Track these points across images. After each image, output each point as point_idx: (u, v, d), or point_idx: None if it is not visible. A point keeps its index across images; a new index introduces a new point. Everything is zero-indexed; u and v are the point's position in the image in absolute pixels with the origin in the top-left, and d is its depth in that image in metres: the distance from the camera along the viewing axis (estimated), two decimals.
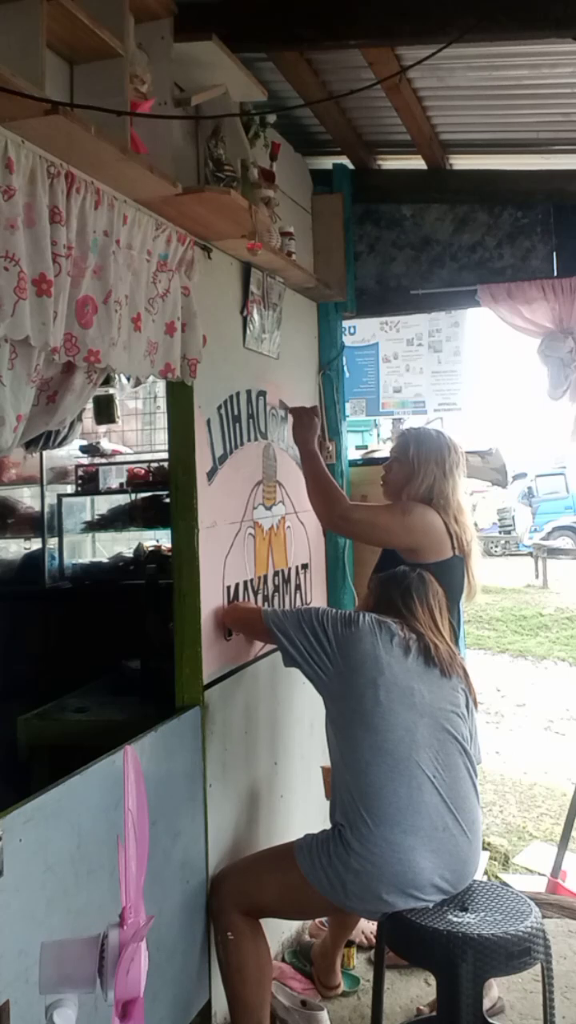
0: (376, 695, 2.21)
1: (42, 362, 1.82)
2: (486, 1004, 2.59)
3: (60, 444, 2.78)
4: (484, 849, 3.61)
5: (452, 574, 2.68)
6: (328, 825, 2.30)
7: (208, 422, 2.55)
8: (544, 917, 2.19)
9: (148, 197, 2.07)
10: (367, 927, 2.94)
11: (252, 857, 2.46)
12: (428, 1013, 2.65)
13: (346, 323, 3.83)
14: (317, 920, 3.01)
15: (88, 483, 4.06)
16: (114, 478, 4.08)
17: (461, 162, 3.57)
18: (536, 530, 17.16)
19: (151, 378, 2.38)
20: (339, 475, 3.63)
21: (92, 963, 1.04)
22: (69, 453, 4.16)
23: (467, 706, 2.35)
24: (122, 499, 4.07)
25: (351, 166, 3.63)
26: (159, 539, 3.95)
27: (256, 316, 2.86)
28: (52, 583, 3.97)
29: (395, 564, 2.60)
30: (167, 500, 2.86)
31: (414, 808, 2.14)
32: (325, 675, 2.31)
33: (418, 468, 2.74)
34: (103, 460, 4.20)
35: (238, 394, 2.75)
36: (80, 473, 4.09)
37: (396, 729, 2.19)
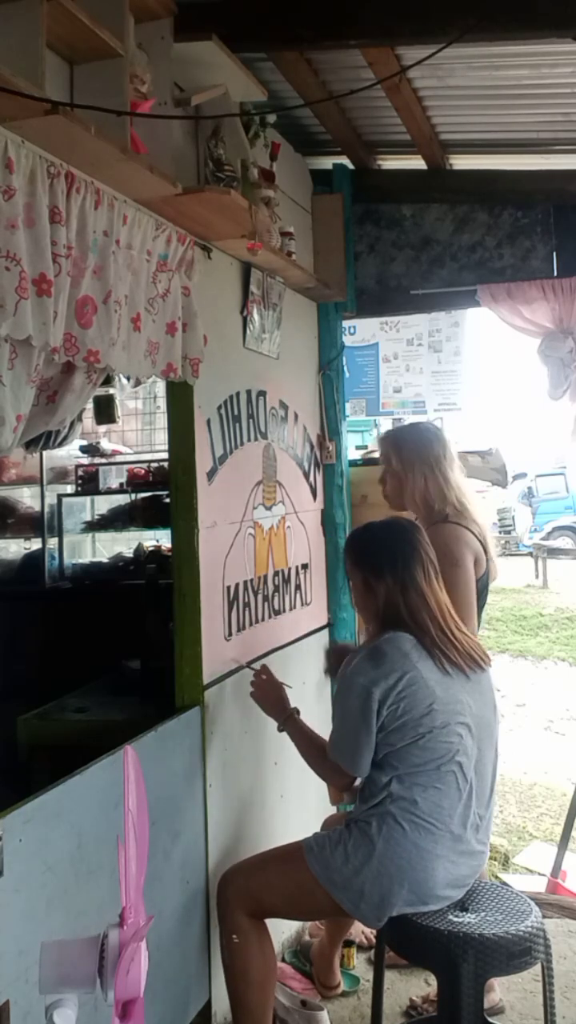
0: (433, 720, 2.09)
1: (42, 362, 1.82)
2: (485, 1004, 2.59)
3: (60, 444, 2.78)
4: None
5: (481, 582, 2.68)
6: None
7: (208, 422, 2.55)
8: (544, 917, 2.19)
9: (148, 197, 2.07)
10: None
11: (258, 857, 2.41)
12: (420, 1004, 2.66)
13: (346, 323, 3.83)
14: None
15: (88, 483, 4.06)
16: (114, 478, 4.08)
17: (461, 162, 3.57)
18: (536, 530, 17.17)
19: (151, 378, 2.38)
20: (339, 475, 3.64)
21: (92, 963, 1.04)
22: (69, 453, 4.16)
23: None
24: (122, 499, 4.07)
25: (351, 166, 3.63)
26: (159, 539, 3.95)
27: (256, 316, 2.86)
28: (52, 583, 3.97)
29: None
30: (167, 500, 2.86)
31: (448, 816, 2.11)
32: (406, 724, 2.10)
33: (406, 474, 2.69)
34: (103, 460, 4.20)
35: (238, 394, 2.75)
36: (80, 473, 4.10)
37: (449, 749, 2.11)
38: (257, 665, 2.58)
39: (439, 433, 2.77)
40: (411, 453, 2.70)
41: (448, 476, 2.69)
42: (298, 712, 2.45)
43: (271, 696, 2.49)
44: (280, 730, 2.45)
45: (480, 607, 2.68)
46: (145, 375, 2.23)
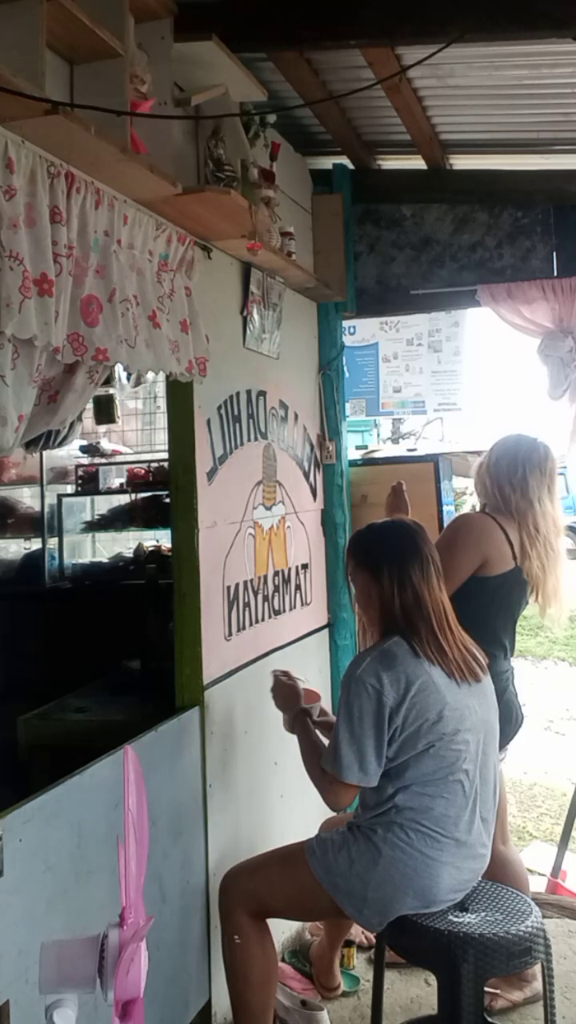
0: (443, 727, 2.06)
1: (44, 362, 1.82)
2: (528, 993, 2.63)
3: (60, 444, 2.77)
4: None
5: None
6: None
7: (208, 422, 2.55)
8: (544, 917, 2.19)
9: (148, 197, 2.07)
10: None
11: (260, 858, 2.40)
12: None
13: (346, 323, 3.83)
14: None
15: (88, 483, 4.06)
16: (114, 478, 4.08)
17: (461, 162, 3.57)
18: None
19: (151, 378, 2.38)
20: (339, 475, 3.64)
21: (92, 963, 1.04)
22: (69, 453, 4.16)
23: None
24: (122, 499, 4.07)
25: (351, 166, 3.63)
26: (159, 539, 3.95)
27: (256, 316, 2.86)
28: (52, 583, 3.96)
29: None
30: (167, 500, 2.86)
31: (454, 824, 2.09)
32: (413, 732, 2.06)
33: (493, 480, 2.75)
34: (103, 460, 4.20)
35: (238, 394, 2.75)
36: (80, 473, 4.09)
37: (458, 756, 2.08)
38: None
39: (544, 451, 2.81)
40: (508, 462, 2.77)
41: (538, 499, 2.69)
42: (310, 715, 2.39)
43: (285, 691, 2.44)
44: (290, 727, 2.40)
45: (501, 608, 2.64)
46: (175, 372, 2.20)
